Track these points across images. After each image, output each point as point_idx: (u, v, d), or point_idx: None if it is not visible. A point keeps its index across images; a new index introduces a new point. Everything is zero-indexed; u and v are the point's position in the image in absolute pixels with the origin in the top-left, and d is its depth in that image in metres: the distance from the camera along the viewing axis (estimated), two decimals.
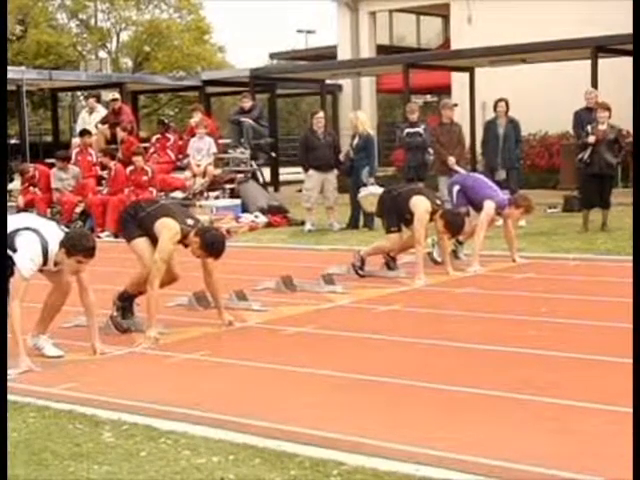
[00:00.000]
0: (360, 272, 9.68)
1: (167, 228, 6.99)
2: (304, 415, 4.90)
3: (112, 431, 4.71)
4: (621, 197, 14.96)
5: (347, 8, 27.77)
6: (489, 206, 9.98)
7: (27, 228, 6.25)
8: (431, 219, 9.42)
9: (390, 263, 9.84)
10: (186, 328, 7.31)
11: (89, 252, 6.19)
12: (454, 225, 9.41)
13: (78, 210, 15.93)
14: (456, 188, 10.49)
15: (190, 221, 7.09)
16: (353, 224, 14.54)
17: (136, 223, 7.21)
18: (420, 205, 9.39)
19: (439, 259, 10.08)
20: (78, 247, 6.16)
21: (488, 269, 9.89)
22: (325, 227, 14.67)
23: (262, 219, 15.51)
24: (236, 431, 4.61)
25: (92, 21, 41.90)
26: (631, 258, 10.03)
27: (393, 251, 9.80)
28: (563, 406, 4.94)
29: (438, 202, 9.62)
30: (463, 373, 5.72)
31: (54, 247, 6.21)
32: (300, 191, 17.20)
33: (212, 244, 6.99)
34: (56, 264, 6.30)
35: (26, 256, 6.12)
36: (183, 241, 7.05)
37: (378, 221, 14.31)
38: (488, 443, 4.35)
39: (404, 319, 7.59)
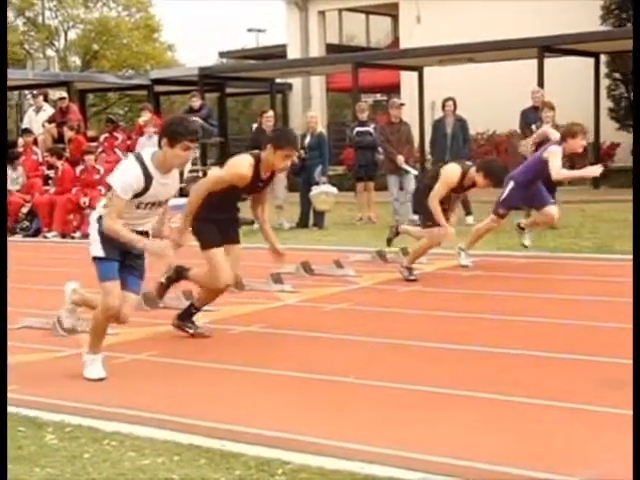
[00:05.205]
0: (411, 278, 9.20)
1: (233, 164, 6.74)
2: (249, 415, 4.87)
3: (55, 433, 4.65)
4: (567, 195, 15.17)
5: (296, 7, 27.82)
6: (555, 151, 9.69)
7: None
8: (462, 186, 9.08)
9: (339, 262, 9.84)
10: (133, 329, 7.23)
11: (193, 135, 5.71)
12: (494, 170, 9.00)
13: (25, 210, 15.73)
14: (510, 184, 10.08)
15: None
16: (303, 223, 14.55)
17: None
18: (448, 169, 9.03)
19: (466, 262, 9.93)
20: (180, 132, 5.64)
21: (435, 267, 9.94)
22: (275, 226, 14.56)
23: None
24: (181, 432, 4.58)
25: (40, 19, 41.46)
26: (578, 255, 10.22)
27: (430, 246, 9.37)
28: (515, 403, 4.95)
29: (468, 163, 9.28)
30: (412, 371, 5.73)
31: (148, 158, 5.74)
32: None
33: (281, 133, 6.96)
34: (166, 172, 5.77)
35: (119, 178, 5.77)
36: (256, 176, 6.69)
37: (328, 220, 14.38)
38: (435, 441, 4.36)
39: (352, 318, 7.59)
